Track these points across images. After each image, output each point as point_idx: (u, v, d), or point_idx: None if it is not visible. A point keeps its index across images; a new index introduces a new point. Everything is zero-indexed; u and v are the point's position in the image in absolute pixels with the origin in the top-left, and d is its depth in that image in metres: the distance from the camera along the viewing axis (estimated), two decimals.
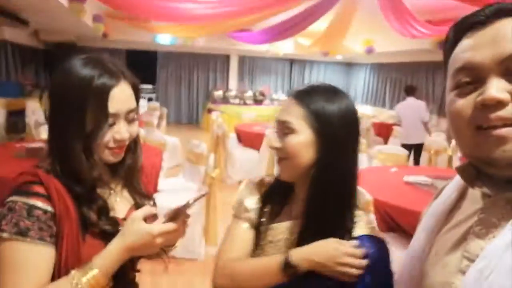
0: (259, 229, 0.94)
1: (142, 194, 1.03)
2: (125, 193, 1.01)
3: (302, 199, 0.89)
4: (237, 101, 10.75)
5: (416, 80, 9.75)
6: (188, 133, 9.35)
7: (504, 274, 0.48)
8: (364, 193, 1.09)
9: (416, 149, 5.68)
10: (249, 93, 10.94)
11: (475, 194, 0.61)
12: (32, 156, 3.17)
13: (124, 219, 0.94)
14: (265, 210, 0.95)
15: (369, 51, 9.29)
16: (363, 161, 4.52)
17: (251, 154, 5.61)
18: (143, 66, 11.87)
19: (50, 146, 0.88)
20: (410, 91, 5.85)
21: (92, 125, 0.83)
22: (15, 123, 6.59)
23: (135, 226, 0.82)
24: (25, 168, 0.86)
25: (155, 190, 3.54)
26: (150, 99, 11.34)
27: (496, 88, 0.51)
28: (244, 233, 0.94)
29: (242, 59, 12.27)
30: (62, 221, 0.81)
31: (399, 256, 0.80)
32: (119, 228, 0.87)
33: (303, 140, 0.84)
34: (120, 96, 0.86)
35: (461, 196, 0.65)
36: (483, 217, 0.57)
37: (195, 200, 0.85)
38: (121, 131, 0.87)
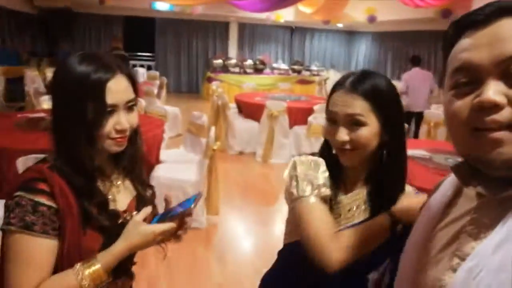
0: (328, 202, 0.99)
1: (144, 184, 1.10)
2: (127, 184, 1.07)
3: (358, 173, 0.99)
4: (237, 69, 10.60)
5: (418, 50, 9.62)
6: (188, 103, 9.33)
7: (491, 274, 0.49)
8: None
9: (418, 118, 5.79)
10: (249, 62, 10.79)
11: (470, 192, 0.60)
12: (32, 127, 3.19)
13: (125, 211, 1.01)
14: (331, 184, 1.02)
15: (371, 19, 9.11)
16: None
17: (252, 125, 5.64)
18: (141, 33, 11.63)
19: (55, 140, 0.93)
20: (417, 61, 5.91)
21: (92, 115, 0.88)
22: (13, 91, 6.55)
23: (138, 229, 0.93)
24: (25, 139, 0.90)
25: (157, 161, 3.60)
26: (149, 68, 11.20)
27: (493, 90, 0.50)
28: (325, 208, 0.95)
29: (242, 27, 12.03)
30: (65, 217, 0.88)
31: None
32: (119, 221, 0.96)
33: (374, 130, 0.91)
34: (117, 88, 0.91)
35: (457, 193, 0.65)
36: (475, 217, 0.57)
37: (195, 206, 0.97)
38: (121, 121, 0.92)
